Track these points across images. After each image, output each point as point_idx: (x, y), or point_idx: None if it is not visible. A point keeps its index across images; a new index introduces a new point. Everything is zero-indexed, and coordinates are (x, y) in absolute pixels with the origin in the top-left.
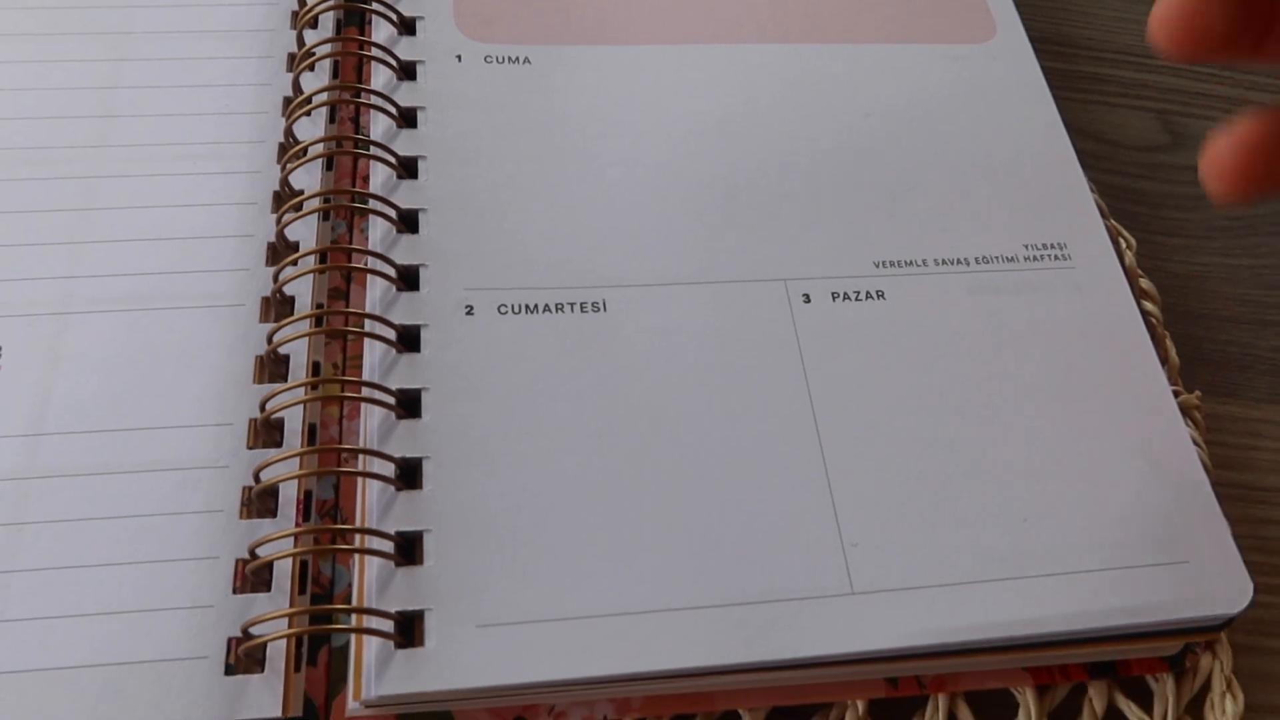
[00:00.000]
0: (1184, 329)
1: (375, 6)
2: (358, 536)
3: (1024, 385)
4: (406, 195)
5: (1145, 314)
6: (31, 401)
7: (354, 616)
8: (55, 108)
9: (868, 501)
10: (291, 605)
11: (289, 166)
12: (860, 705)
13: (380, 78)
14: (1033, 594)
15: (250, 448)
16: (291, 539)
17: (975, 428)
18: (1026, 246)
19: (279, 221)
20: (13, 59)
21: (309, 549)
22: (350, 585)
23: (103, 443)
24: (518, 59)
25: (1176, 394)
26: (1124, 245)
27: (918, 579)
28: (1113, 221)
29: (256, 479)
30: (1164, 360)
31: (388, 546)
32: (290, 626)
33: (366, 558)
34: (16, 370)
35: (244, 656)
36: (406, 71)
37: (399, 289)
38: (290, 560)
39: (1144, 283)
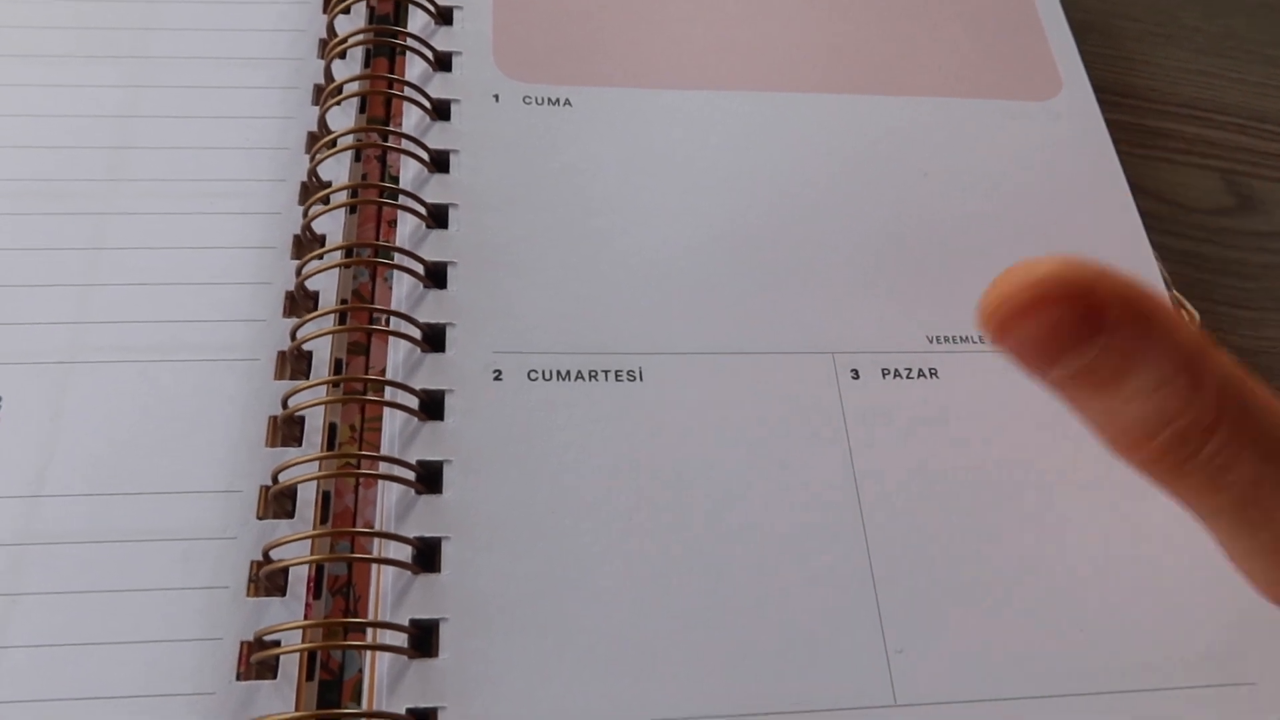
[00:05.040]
0: None
1: (410, 42)
2: (370, 629)
3: (1084, 479)
4: (435, 246)
5: None
6: (33, 458)
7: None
8: (66, 137)
9: (915, 603)
10: (299, 696)
11: (312, 212)
12: None
13: (411, 117)
14: (1087, 714)
15: (260, 518)
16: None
17: (1032, 524)
18: None
19: (299, 271)
20: (21, 82)
21: (318, 644)
22: (361, 672)
23: (105, 507)
24: (558, 100)
25: None
26: (1187, 318)
27: (966, 693)
28: (1176, 293)
29: (266, 556)
30: None
31: (401, 639)
32: None
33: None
34: (17, 423)
35: None
36: (439, 111)
37: (424, 350)
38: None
39: None
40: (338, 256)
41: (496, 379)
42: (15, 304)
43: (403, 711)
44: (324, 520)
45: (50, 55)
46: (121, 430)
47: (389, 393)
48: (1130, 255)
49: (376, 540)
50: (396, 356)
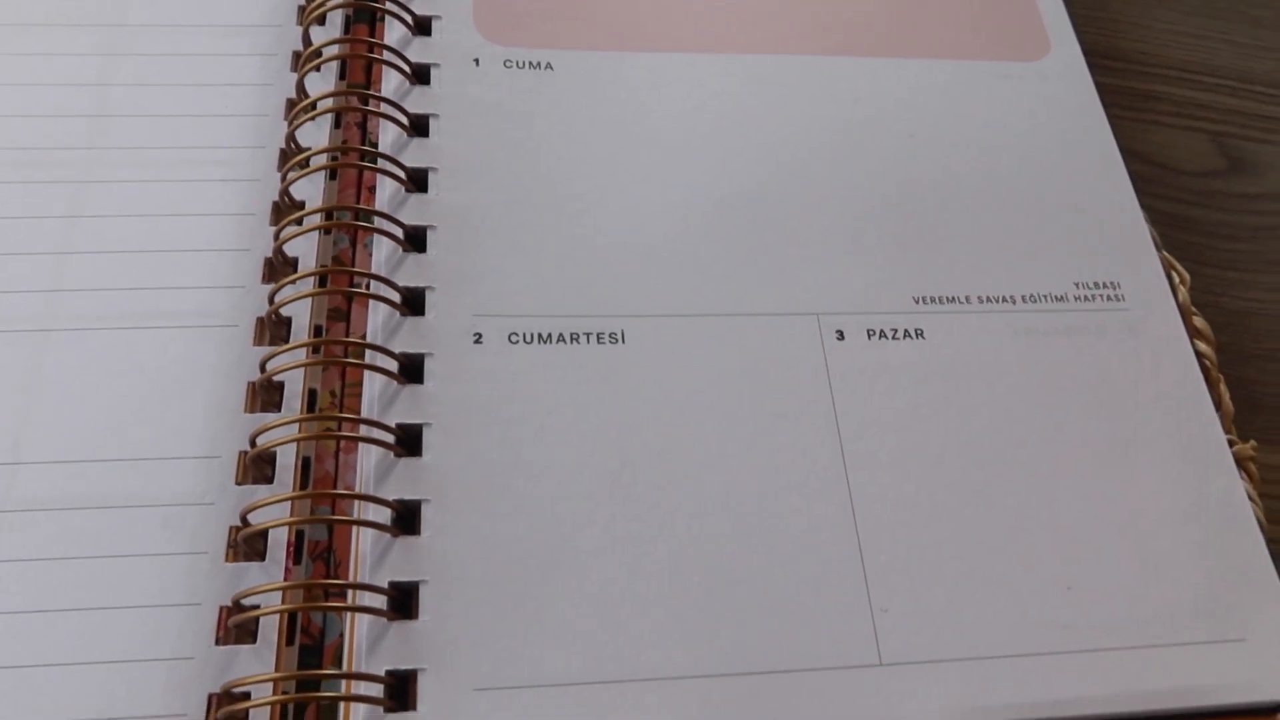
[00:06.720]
0: (1237, 371)
1: (388, 5)
2: (350, 591)
3: (1071, 437)
4: (414, 211)
5: (1199, 355)
6: (8, 425)
7: (344, 682)
8: (43, 105)
9: (900, 562)
10: (278, 660)
11: (290, 177)
12: None
13: (391, 82)
14: (1074, 671)
15: (239, 483)
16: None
17: (1018, 483)
18: (1077, 285)
19: (277, 236)
20: None
21: (298, 605)
22: (341, 636)
23: (82, 473)
24: (539, 64)
25: (1231, 443)
26: (1177, 280)
27: (951, 651)
28: (1166, 254)
29: (244, 521)
30: (1218, 406)
31: (380, 601)
32: (275, 691)
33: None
34: None
35: (225, 718)
36: (419, 75)
37: (403, 313)
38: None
39: (1198, 321)
40: (317, 220)
41: (477, 342)
42: None
43: (382, 673)
44: (304, 485)
45: (27, 23)
46: (99, 397)
47: (368, 356)
48: (1120, 218)
49: (356, 504)
50: (376, 321)
